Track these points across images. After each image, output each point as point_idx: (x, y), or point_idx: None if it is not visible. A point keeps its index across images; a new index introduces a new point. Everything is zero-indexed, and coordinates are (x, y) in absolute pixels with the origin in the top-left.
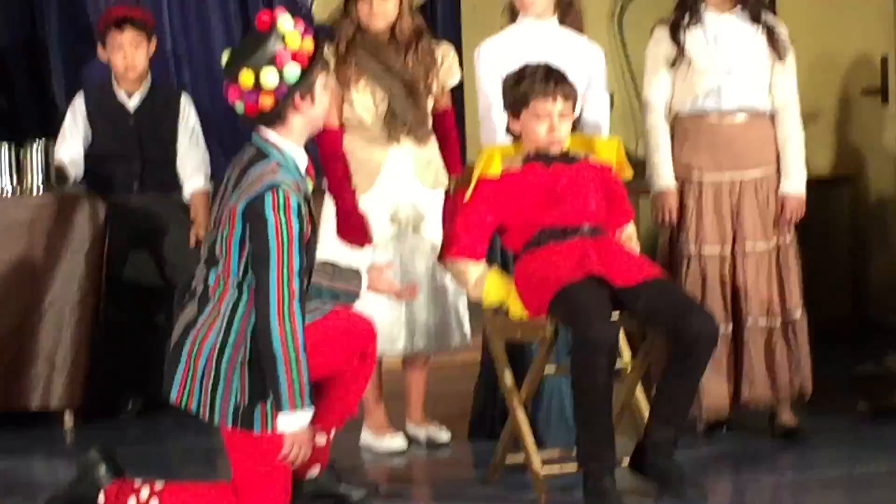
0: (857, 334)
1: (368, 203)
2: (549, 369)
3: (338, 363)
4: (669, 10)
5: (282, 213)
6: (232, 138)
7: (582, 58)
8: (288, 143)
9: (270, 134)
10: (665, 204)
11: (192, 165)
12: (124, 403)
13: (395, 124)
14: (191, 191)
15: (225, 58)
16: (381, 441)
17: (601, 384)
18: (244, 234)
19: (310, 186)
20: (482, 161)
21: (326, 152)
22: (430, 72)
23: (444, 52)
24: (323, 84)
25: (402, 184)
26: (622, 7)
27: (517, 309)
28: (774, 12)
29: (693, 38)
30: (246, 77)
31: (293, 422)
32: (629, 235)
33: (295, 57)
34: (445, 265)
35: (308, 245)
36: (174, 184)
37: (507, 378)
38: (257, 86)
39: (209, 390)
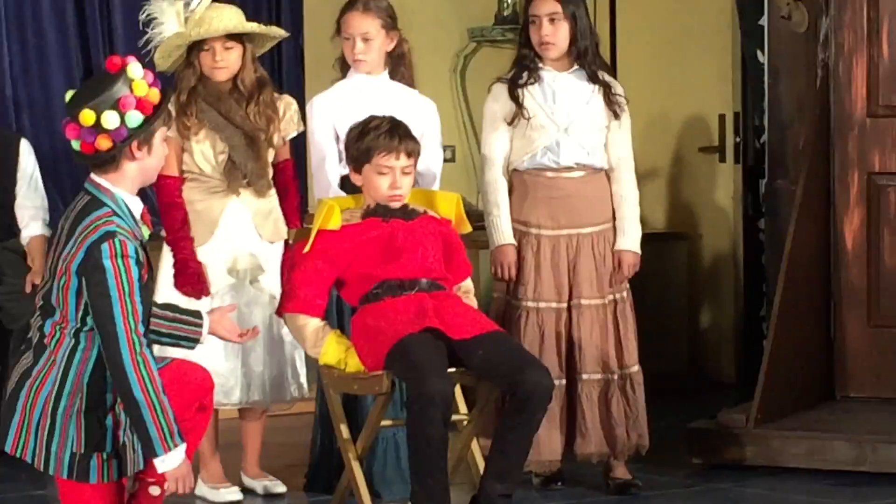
0: (692, 389)
1: (207, 254)
2: (385, 422)
3: (177, 414)
4: (508, 65)
5: (120, 260)
6: (72, 185)
7: (413, 111)
8: (121, 189)
9: (103, 181)
10: (503, 259)
11: (30, 212)
12: None
13: (234, 175)
14: (28, 237)
15: (68, 96)
16: (217, 493)
17: (436, 438)
18: (80, 284)
19: (146, 233)
20: (322, 213)
21: (164, 201)
22: (272, 123)
23: (286, 104)
24: (162, 137)
25: (241, 235)
26: (464, 61)
27: (355, 366)
28: (613, 70)
29: (531, 95)
30: (87, 116)
31: (171, 460)
32: (467, 290)
33: (139, 104)
34: (284, 319)
35: (144, 290)
36: (11, 230)
37: (343, 431)
38: (97, 126)
39: (44, 439)
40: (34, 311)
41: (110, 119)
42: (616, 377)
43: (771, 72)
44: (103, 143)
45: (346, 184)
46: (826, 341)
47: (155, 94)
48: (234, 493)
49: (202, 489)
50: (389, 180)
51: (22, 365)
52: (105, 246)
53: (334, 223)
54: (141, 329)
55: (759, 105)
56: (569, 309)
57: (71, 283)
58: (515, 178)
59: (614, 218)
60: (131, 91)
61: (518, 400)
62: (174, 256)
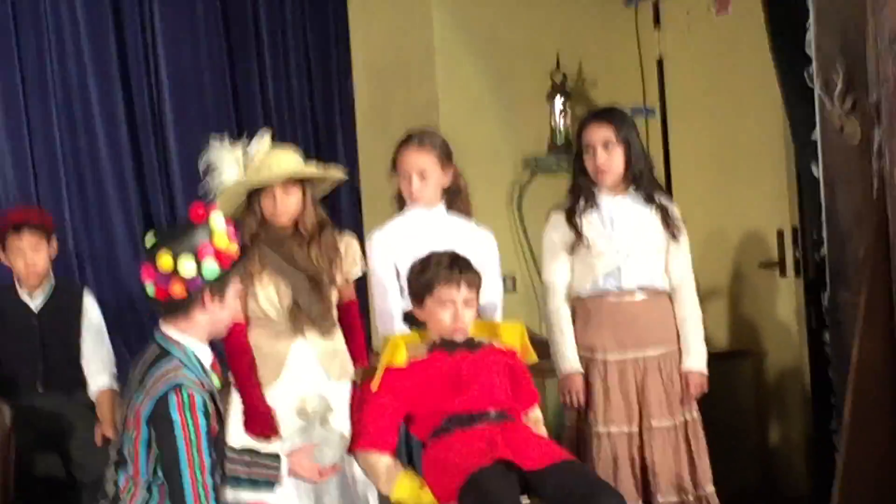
0: None
1: (275, 396)
2: None
3: None
4: (564, 193)
5: (187, 412)
6: (137, 335)
7: (472, 243)
8: (190, 339)
9: (172, 331)
10: (571, 386)
11: (97, 364)
12: None
13: (299, 318)
14: (96, 390)
15: (148, 239)
16: None
17: None
18: (150, 436)
19: (216, 381)
20: (388, 350)
21: (232, 346)
22: (334, 263)
23: (347, 244)
24: (236, 291)
25: (309, 376)
26: (520, 191)
27: (428, 499)
28: (668, 191)
29: (590, 222)
30: (164, 260)
31: None
32: (536, 419)
33: (218, 255)
34: (356, 456)
35: (216, 439)
36: (79, 383)
37: None
38: (174, 272)
39: None
40: (108, 463)
41: (187, 267)
42: (692, 499)
43: (826, 184)
44: (177, 290)
45: (408, 319)
46: None
47: (234, 249)
48: None
49: None
50: (452, 312)
51: None
52: (173, 398)
53: (400, 360)
54: (209, 481)
55: (816, 218)
56: (640, 433)
57: (141, 434)
58: (578, 304)
59: (679, 339)
60: (211, 241)
61: None
62: (243, 401)
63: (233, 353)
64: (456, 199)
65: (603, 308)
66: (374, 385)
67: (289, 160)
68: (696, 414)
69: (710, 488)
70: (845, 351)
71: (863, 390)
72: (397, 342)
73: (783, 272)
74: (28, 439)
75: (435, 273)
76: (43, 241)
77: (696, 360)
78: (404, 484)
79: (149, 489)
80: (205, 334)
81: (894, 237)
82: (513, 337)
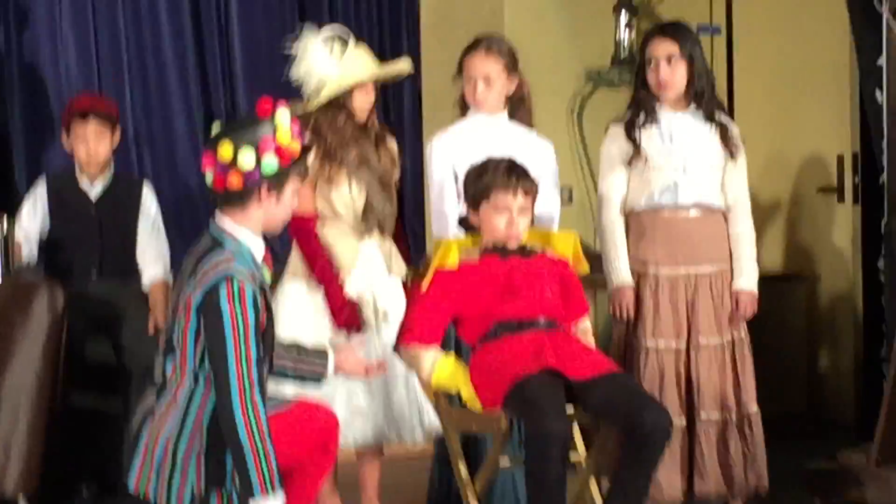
0: (811, 430)
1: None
2: (504, 462)
3: (299, 456)
4: (625, 106)
5: (237, 303)
6: (193, 228)
7: (531, 152)
8: (244, 231)
9: (226, 222)
10: (621, 299)
11: (152, 255)
12: (79, 490)
13: (370, 218)
14: (150, 280)
15: (214, 128)
16: None
17: (554, 477)
18: (199, 324)
19: (267, 275)
20: (439, 252)
21: (310, 246)
22: (395, 166)
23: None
24: (294, 190)
25: (376, 275)
26: (581, 103)
27: (468, 395)
28: (730, 110)
29: (648, 136)
30: (225, 150)
31: None
32: (585, 329)
33: (279, 151)
34: (400, 352)
35: (265, 333)
36: (133, 272)
37: (462, 471)
38: (233, 162)
39: (166, 479)
40: (157, 351)
41: (247, 159)
42: (734, 417)
43: (890, 111)
44: (234, 181)
45: (463, 223)
46: None
47: (296, 146)
48: None
49: None
50: (507, 219)
51: (145, 405)
52: (223, 288)
53: (452, 262)
54: (255, 373)
55: (878, 144)
56: (687, 349)
57: (190, 323)
58: (633, 218)
59: (731, 258)
60: (274, 136)
61: (637, 440)
62: (327, 295)
63: (311, 246)
64: (519, 107)
65: (657, 223)
66: (424, 285)
67: (371, 59)
68: (744, 334)
69: (753, 408)
70: None
71: None
72: (450, 245)
73: (841, 198)
74: (81, 325)
75: (492, 178)
76: (107, 131)
77: (747, 280)
78: (446, 366)
79: (195, 378)
80: (259, 228)
81: None
82: (565, 246)
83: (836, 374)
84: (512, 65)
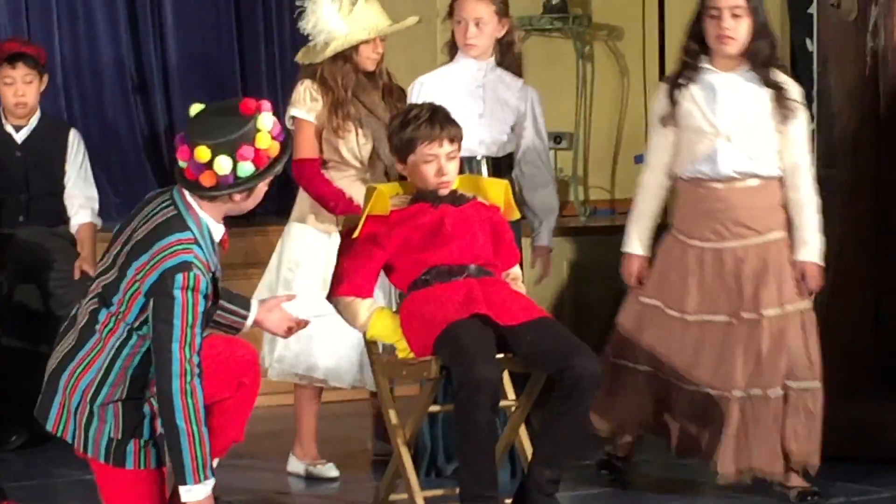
0: None
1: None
2: (434, 407)
3: (215, 392)
4: (557, 54)
5: (190, 294)
6: (122, 171)
7: (518, 98)
8: (207, 215)
9: (193, 200)
10: (627, 267)
11: (79, 200)
12: (7, 437)
13: (377, 167)
14: (77, 225)
15: (193, 111)
16: (319, 469)
17: (484, 423)
18: (147, 302)
19: (216, 264)
20: (371, 199)
21: (318, 183)
22: None
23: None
24: (266, 184)
25: None
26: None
27: (403, 346)
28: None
29: (692, 96)
30: (202, 153)
31: (197, 493)
32: (515, 276)
33: (256, 156)
34: (333, 302)
35: (207, 315)
36: (60, 217)
37: (392, 416)
38: (208, 165)
39: (83, 424)
40: (86, 296)
41: (223, 164)
42: (796, 391)
43: (820, 60)
44: (207, 180)
45: None
46: (876, 326)
47: (275, 148)
48: (333, 470)
49: (296, 466)
50: (435, 168)
51: (65, 346)
52: (180, 276)
53: (382, 208)
54: (196, 360)
55: (808, 93)
56: (750, 321)
57: (139, 298)
58: (679, 184)
59: (788, 228)
60: (254, 141)
61: (566, 386)
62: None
63: (317, 181)
64: (508, 52)
65: (700, 194)
66: (356, 233)
67: (380, 14)
68: (807, 306)
69: (815, 384)
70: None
71: (843, 266)
72: (380, 191)
73: None
74: (8, 270)
75: (416, 130)
76: (36, 75)
77: (810, 250)
78: (380, 321)
79: (129, 332)
80: (222, 216)
81: (884, 115)
82: (497, 193)
83: None
84: (503, 8)
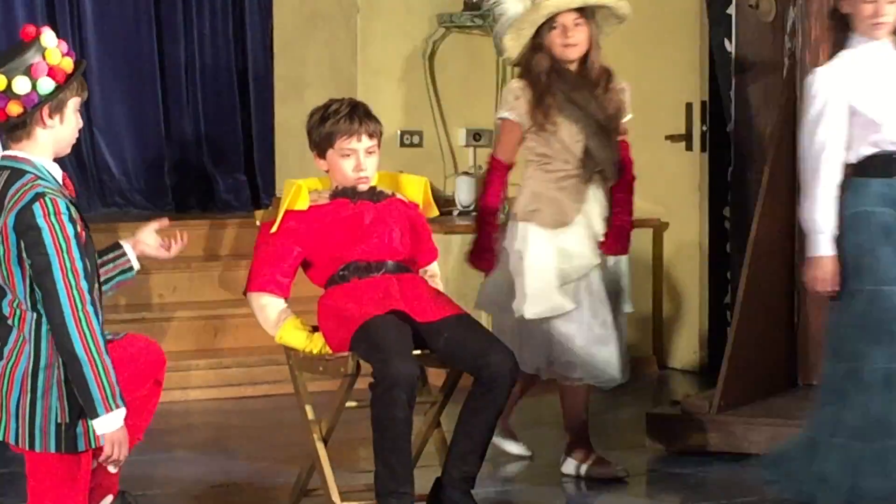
0: (655, 377)
1: (568, 238)
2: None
3: (134, 388)
4: (476, 51)
5: (53, 218)
6: None
7: None
8: (38, 157)
9: (19, 152)
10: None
11: None
12: None
13: (589, 165)
14: None
15: None
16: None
17: (400, 419)
18: (20, 250)
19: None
20: (290, 194)
21: (493, 181)
22: (621, 111)
23: (626, 87)
24: (76, 106)
25: (597, 222)
26: (433, 47)
27: (318, 349)
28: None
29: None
30: None
31: (110, 422)
32: (433, 273)
33: (51, 71)
34: (248, 298)
35: (87, 247)
36: None
37: (309, 412)
38: (8, 91)
39: (26, 417)
40: None
41: (21, 84)
42: None
43: (738, 61)
44: (14, 109)
45: None
46: (790, 329)
47: (68, 63)
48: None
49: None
50: (353, 163)
51: None
52: (37, 206)
53: (301, 203)
54: (83, 285)
55: (726, 94)
56: None
57: (11, 253)
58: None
59: None
60: (44, 58)
61: (482, 383)
62: (478, 233)
63: (491, 188)
64: None
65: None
66: (274, 227)
67: None
68: None
69: None
70: (745, 227)
71: (758, 267)
72: (300, 186)
73: (689, 146)
74: None
75: (334, 125)
76: None
77: None
78: (289, 329)
79: (35, 309)
80: (51, 152)
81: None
82: (416, 190)
83: (680, 320)
84: None
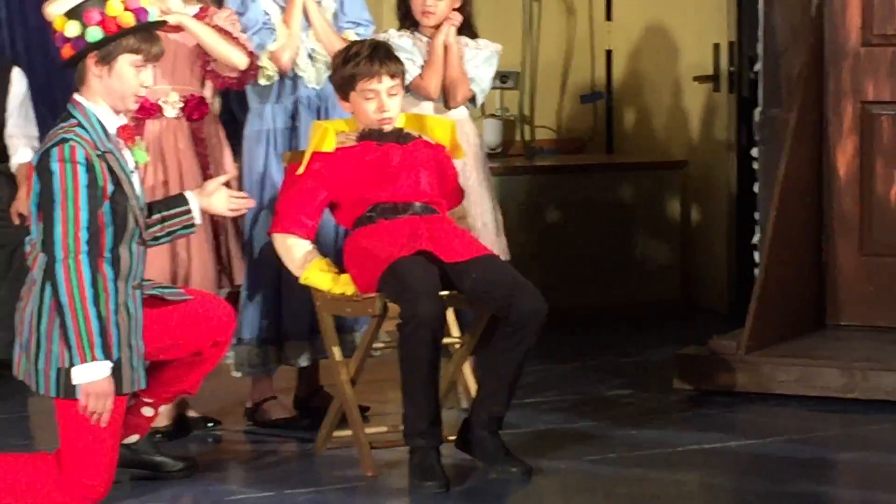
0: (684, 317)
1: None
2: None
3: (186, 350)
4: None
5: (67, 164)
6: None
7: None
8: (93, 105)
9: (79, 97)
10: None
11: (20, 139)
12: None
13: None
14: (17, 163)
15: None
16: None
17: (427, 360)
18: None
19: (142, 152)
20: (317, 136)
21: None
22: None
23: None
24: (130, 62)
25: None
26: None
27: (344, 290)
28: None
29: None
30: (58, 21)
31: (86, 373)
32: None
33: (104, 21)
34: (273, 239)
35: (116, 203)
36: (3, 155)
37: (336, 353)
38: (63, 36)
39: (33, 359)
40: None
41: (71, 28)
42: None
43: (766, 0)
44: (66, 52)
45: None
46: (818, 269)
47: (128, 18)
48: None
49: None
50: (376, 104)
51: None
52: (55, 150)
53: (328, 145)
54: (83, 234)
55: (753, 34)
56: None
57: (32, 192)
58: None
59: None
60: (102, 8)
61: (511, 324)
62: None
63: None
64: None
65: None
66: (301, 169)
67: None
68: None
69: None
70: (772, 168)
71: (786, 207)
72: (326, 128)
73: (717, 87)
74: None
75: (355, 67)
76: None
77: None
78: (314, 270)
79: (44, 250)
80: (105, 101)
81: (829, 56)
82: (443, 133)
83: (709, 261)
84: None
